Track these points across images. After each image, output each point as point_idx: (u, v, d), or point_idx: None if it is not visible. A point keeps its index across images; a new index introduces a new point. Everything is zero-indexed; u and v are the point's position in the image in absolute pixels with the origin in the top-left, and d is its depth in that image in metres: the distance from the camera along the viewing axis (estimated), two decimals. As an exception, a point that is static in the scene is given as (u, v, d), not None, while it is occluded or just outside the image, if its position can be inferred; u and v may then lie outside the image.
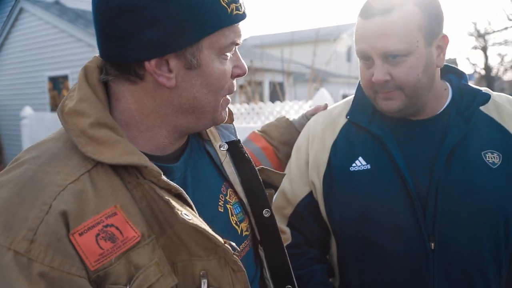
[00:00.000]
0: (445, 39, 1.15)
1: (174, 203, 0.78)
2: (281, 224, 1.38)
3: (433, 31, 1.11)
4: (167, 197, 0.77)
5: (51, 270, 0.67)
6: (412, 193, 1.14)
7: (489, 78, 28.30)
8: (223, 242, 0.82)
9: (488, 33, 23.83)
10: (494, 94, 1.26)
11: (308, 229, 1.36)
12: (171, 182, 0.80)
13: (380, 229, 1.19)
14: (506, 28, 22.24)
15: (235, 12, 0.81)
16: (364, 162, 1.23)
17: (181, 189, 0.81)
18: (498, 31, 22.83)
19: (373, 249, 1.21)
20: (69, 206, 0.71)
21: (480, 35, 23.25)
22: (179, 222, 0.77)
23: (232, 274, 0.85)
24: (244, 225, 1.00)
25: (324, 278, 1.32)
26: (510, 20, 23.16)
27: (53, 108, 9.35)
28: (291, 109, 4.44)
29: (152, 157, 0.83)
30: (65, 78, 10.88)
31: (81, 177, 0.74)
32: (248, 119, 4.81)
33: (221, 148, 1.02)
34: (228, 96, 0.91)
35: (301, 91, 12.02)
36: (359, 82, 1.34)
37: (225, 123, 1.05)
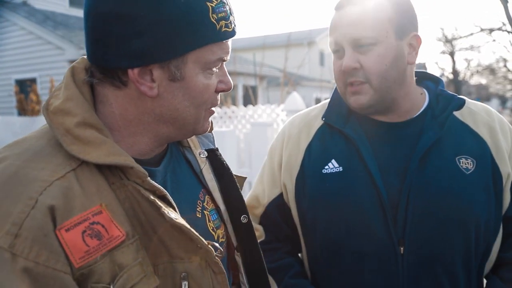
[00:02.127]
0: (417, 38, 1.18)
1: (160, 203, 0.78)
2: (254, 223, 1.37)
3: (404, 27, 1.14)
4: (152, 198, 0.77)
5: (36, 265, 0.65)
6: (382, 196, 1.15)
7: (456, 82, 29.05)
8: (206, 243, 0.83)
9: (455, 39, 24.53)
10: (470, 102, 1.28)
11: (278, 228, 1.37)
12: (156, 184, 0.80)
13: (350, 231, 1.19)
14: (472, 34, 22.93)
15: (224, 29, 0.81)
16: (336, 165, 1.23)
17: (165, 191, 0.81)
18: (464, 36, 23.53)
19: (343, 251, 1.21)
20: (57, 201, 0.70)
21: (448, 41, 23.92)
22: (164, 222, 0.78)
23: (213, 276, 0.85)
24: (220, 232, 1.00)
25: (300, 269, 1.34)
26: (476, 26, 23.89)
27: (20, 112, 9.08)
28: (264, 112, 4.45)
29: (135, 160, 0.82)
30: (33, 81, 10.62)
31: (67, 175, 0.73)
32: (221, 123, 4.79)
33: (201, 156, 1.02)
34: (213, 108, 0.91)
35: (275, 94, 12.08)
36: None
37: None
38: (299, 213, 1.30)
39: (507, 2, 17.44)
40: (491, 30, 20.70)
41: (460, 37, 24.16)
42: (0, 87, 11.64)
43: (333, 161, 1.24)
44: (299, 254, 1.43)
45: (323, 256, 1.27)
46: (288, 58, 6.99)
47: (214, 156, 1.04)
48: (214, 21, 0.79)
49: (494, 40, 24.27)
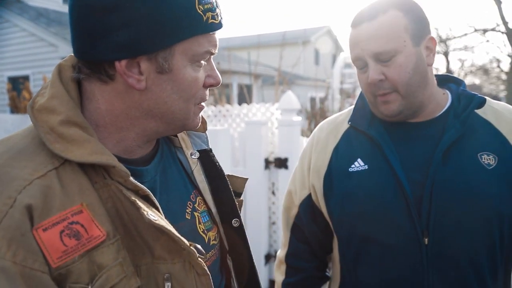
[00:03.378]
0: (432, 40, 1.24)
1: (140, 203, 0.76)
2: (286, 228, 1.52)
3: (419, 33, 1.21)
4: (133, 198, 0.76)
5: (13, 265, 0.64)
6: (406, 190, 1.20)
7: (450, 82, 29.12)
8: (188, 244, 0.81)
9: (449, 39, 24.61)
10: (493, 102, 1.33)
11: (309, 229, 1.45)
12: (138, 184, 0.78)
13: (376, 225, 1.25)
14: (465, 34, 23.03)
15: (210, 21, 0.81)
16: (362, 163, 1.30)
17: (148, 191, 0.80)
18: (458, 37, 23.62)
19: (370, 244, 1.27)
20: (35, 200, 0.69)
21: (442, 41, 23.99)
22: (144, 223, 0.76)
23: (197, 278, 0.84)
24: (212, 234, 0.99)
25: None
26: (470, 26, 23.98)
27: (13, 109, 9.01)
28: (258, 111, 4.43)
29: (122, 160, 0.81)
30: (25, 78, 10.55)
31: (48, 174, 0.72)
32: (215, 122, 4.77)
33: (192, 156, 1.01)
34: (203, 103, 0.90)
35: (270, 93, 12.04)
36: (361, 91, 1.40)
37: (198, 131, 1.05)
38: (328, 209, 1.37)
39: (500, 2, 17.54)
40: (485, 31, 20.82)
41: (454, 37, 24.24)
42: (-7, 84, 11.55)
43: (358, 160, 1.31)
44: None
45: (351, 250, 1.33)
46: (283, 57, 6.97)
47: (206, 157, 1.03)
48: (201, 12, 0.79)
49: (487, 41, 24.40)
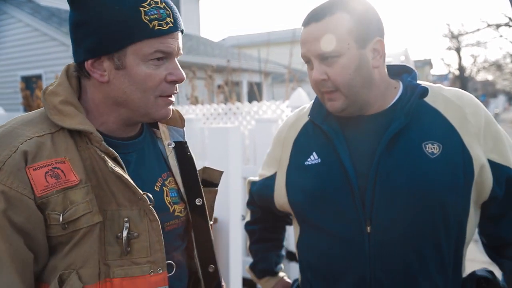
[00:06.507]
0: (380, 42, 1.27)
1: (108, 159, 1.02)
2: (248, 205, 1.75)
3: (364, 36, 1.24)
4: (103, 155, 1.02)
5: (10, 189, 0.93)
6: (352, 181, 1.27)
7: (463, 78, 28.90)
8: (142, 193, 1.05)
9: (462, 35, 24.37)
10: (445, 89, 1.36)
11: (260, 203, 1.65)
12: (109, 147, 1.04)
13: (324, 215, 1.34)
14: (478, 30, 22.77)
15: (157, 28, 1.03)
16: (316, 157, 1.38)
17: (116, 153, 1.05)
18: (471, 32, 23.39)
19: (320, 233, 1.36)
20: (30, 149, 0.98)
21: (454, 36, 23.77)
22: (111, 176, 1.02)
23: (149, 223, 1.07)
24: (178, 208, 1.21)
25: (262, 235, 1.72)
26: (482, 22, 23.68)
27: (26, 108, 9.11)
28: (268, 109, 4.44)
29: (106, 136, 1.09)
30: (38, 77, 10.66)
31: (45, 135, 1.02)
32: (226, 119, 4.78)
33: (169, 146, 1.26)
34: (171, 98, 1.12)
35: (280, 91, 12.04)
36: None
37: (176, 126, 1.30)
38: (289, 198, 1.46)
39: (514, -3, 17.27)
40: (497, 26, 20.57)
41: (467, 33, 24.01)
42: (6, 83, 11.70)
43: (314, 153, 1.39)
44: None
45: (305, 238, 1.45)
46: (293, 55, 6.96)
47: (181, 148, 1.27)
48: (147, 22, 1.02)
49: (501, 36, 24.05)
